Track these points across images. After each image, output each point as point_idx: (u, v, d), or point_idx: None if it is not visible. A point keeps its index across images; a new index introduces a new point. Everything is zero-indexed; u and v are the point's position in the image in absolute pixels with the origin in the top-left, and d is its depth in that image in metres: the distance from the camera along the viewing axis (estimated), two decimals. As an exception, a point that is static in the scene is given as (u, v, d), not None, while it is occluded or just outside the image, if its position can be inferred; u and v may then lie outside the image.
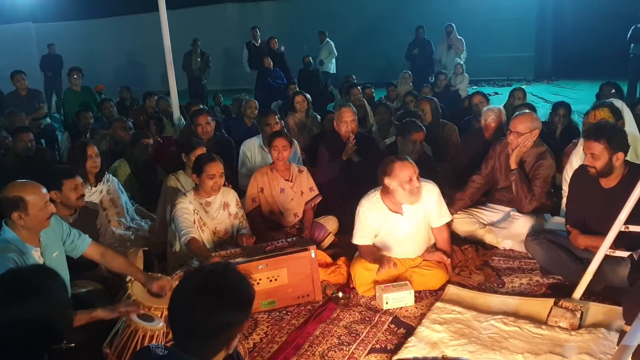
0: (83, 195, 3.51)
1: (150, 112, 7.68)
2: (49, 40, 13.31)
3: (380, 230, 3.68)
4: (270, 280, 3.45)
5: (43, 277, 1.88)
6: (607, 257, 3.07)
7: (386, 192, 3.58)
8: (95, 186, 4.17)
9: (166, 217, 4.16)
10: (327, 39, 12.48)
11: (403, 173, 3.45)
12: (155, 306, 2.93)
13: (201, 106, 6.35)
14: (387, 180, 3.50)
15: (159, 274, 3.26)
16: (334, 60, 12.41)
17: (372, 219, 3.64)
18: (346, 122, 4.87)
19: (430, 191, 3.65)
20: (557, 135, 5.50)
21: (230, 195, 3.97)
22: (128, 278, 3.12)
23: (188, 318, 1.65)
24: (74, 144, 4.82)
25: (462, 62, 10.45)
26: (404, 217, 3.61)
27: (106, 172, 4.35)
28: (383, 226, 3.66)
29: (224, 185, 3.92)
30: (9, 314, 1.75)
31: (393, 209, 3.61)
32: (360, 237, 3.71)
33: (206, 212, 3.82)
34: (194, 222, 3.73)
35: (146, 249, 3.67)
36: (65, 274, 2.85)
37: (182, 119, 6.89)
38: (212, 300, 1.64)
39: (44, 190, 2.78)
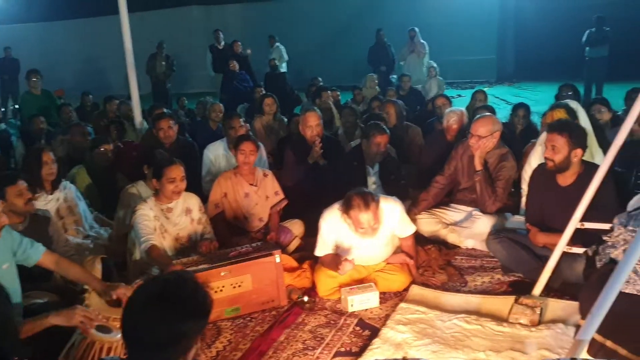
0: (31, 199, 3.37)
1: (112, 117, 7.53)
2: (6, 42, 12.94)
3: (341, 244, 3.65)
4: (234, 287, 3.40)
5: None
6: (564, 254, 3.16)
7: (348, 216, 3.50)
8: (52, 194, 4.03)
9: (125, 225, 4.08)
10: (277, 43, 12.46)
11: (358, 220, 3.40)
12: (113, 317, 2.84)
13: (164, 110, 6.24)
14: (345, 214, 3.46)
15: (119, 284, 3.17)
16: (285, 64, 12.38)
17: (333, 234, 3.62)
18: (311, 126, 4.87)
19: (393, 211, 3.62)
20: (517, 136, 5.60)
21: (192, 201, 3.89)
22: (85, 288, 3.04)
23: (142, 328, 1.60)
24: (29, 151, 4.67)
25: (435, 65, 10.54)
26: (366, 241, 3.57)
27: (63, 179, 4.22)
28: (344, 242, 3.62)
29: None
30: None
31: (355, 232, 3.52)
32: (321, 249, 3.69)
33: (167, 219, 3.73)
34: (155, 229, 3.65)
35: (104, 256, 3.56)
36: (16, 285, 2.75)
37: (145, 124, 6.78)
38: (166, 309, 1.60)
39: None
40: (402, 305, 3.37)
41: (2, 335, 1.78)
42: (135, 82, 6.29)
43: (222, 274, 3.36)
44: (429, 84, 10.26)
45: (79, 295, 3.02)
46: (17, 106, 11.38)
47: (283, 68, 12.24)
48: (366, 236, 3.49)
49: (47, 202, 3.94)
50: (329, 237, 3.64)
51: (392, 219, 3.62)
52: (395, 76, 11.29)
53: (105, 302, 2.95)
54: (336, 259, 3.57)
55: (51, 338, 2.57)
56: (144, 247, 3.51)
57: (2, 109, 11.56)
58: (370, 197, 3.40)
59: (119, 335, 2.63)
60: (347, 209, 3.43)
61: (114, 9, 6.25)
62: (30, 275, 3.02)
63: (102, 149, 4.90)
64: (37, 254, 2.94)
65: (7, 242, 2.84)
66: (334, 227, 3.59)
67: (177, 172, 3.66)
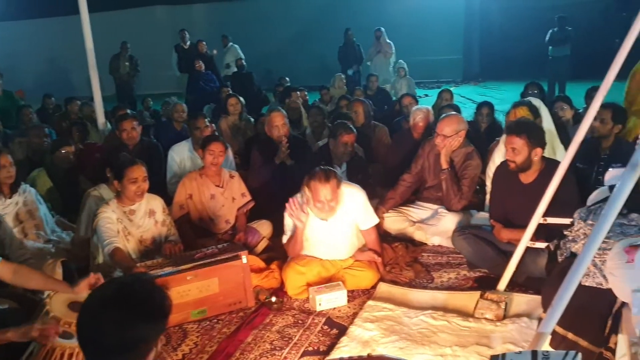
0: None
1: (74, 119, 7.37)
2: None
3: (306, 233, 3.67)
4: (200, 290, 3.35)
5: None
6: (528, 249, 3.21)
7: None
8: (10, 197, 3.89)
9: (87, 229, 3.99)
10: (231, 43, 12.32)
11: (317, 192, 3.45)
12: (75, 322, 2.77)
13: (127, 111, 6.13)
14: (306, 190, 3.53)
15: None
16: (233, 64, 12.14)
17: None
18: (277, 126, 4.85)
19: (355, 197, 3.67)
20: (482, 134, 5.68)
21: (155, 202, 3.83)
22: (46, 294, 2.93)
23: (97, 332, 1.56)
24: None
25: (404, 66, 10.56)
26: (327, 223, 3.61)
27: (22, 183, 4.10)
28: (310, 228, 3.66)
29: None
30: None
31: (318, 216, 3.60)
32: (286, 235, 3.73)
33: (130, 221, 3.66)
34: (118, 232, 3.57)
35: (65, 260, 3.48)
36: None
37: (109, 125, 6.66)
38: (123, 312, 1.56)
39: None
40: (370, 302, 3.38)
41: None
42: (97, 83, 6.17)
43: (188, 278, 3.31)
44: (399, 84, 10.32)
45: (38, 303, 2.93)
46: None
47: (235, 69, 12.02)
48: (323, 214, 3.52)
49: (5, 207, 3.81)
50: (290, 222, 3.66)
51: (355, 206, 3.65)
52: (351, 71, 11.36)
53: (67, 307, 2.87)
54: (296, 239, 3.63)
55: (8, 345, 2.47)
56: (107, 250, 3.43)
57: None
58: (332, 173, 3.48)
59: None
60: (308, 180, 3.50)
61: (77, 8, 6.12)
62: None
63: (63, 151, 4.79)
64: None
65: None
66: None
67: (138, 172, 3.59)
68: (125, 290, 1.61)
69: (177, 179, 4.94)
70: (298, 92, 7.91)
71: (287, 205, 3.52)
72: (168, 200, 4.18)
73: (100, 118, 6.35)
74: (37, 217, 4.02)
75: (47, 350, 2.48)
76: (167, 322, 1.67)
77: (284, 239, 3.76)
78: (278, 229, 4.38)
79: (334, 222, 3.63)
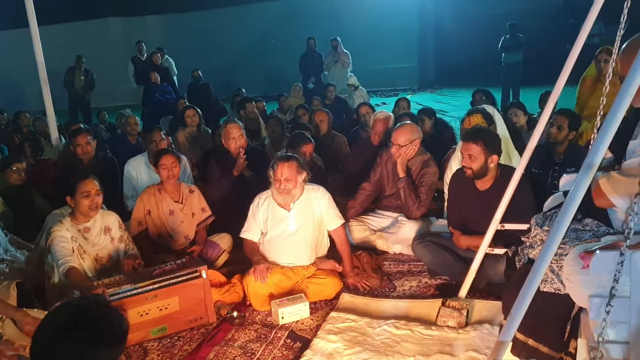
0: None
1: (26, 133, 7.14)
2: None
3: (268, 227, 3.74)
4: (160, 309, 3.30)
5: None
6: (487, 256, 3.24)
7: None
8: (-41, 216, 3.77)
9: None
10: (166, 56, 11.95)
11: (277, 171, 3.62)
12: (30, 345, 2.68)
13: (81, 125, 5.97)
14: (270, 173, 3.68)
15: (35, 310, 3.00)
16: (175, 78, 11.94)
17: (261, 212, 3.77)
18: (234, 138, 4.79)
19: (320, 196, 3.78)
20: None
21: (111, 219, 3.74)
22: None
23: (54, 358, 1.52)
24: None
25: (353, 83, 10.36)
26: (290, 214, 3.70)
27: None
28: (270, 221, 3.74)
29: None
30: None
31: (280, 205, 3.72)
32: (246, 230, 3.83)
33: (85, 239, 3.56)
34: (73, 250, 3.48)
35: (20, 281, 3.35)
36: None
37: (63, 139, 6.47)
38: (80, 337, 1.53)
39: None
40: (333, 314, 3.37)
41: None
42: (49, 97, 5.98)
43: (148, 298, 3.25)
44: (352, 98, 10.19)
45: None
46: None
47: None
48: (281, 196, 3.66)
49: (-47, 227, 3.66)
50: (256, 216, 3.78)
51: (319, 204, 3.77)
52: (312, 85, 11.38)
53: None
54: (255, 252, 3.77)
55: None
56: (62, 270, 3.34)
57: None
58: (294, 157, 3.69)
59: None
60: (273, 162, 3.70)
61: (24, 22, 5.93)
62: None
63: (14, 168, 4.68)
64: None
65: None
66: (262, 204, 3.78)
67: (91, 185, 3.52)
68: (82, 315, 1.58)
69: (134, 194, 4.85)
70: (254, 103, 7.83)
71: (252, 270, 3.60)
72: (125, 215, 4.09)
73: (54, 133, 6.16)
74: (-11, 236, 3.87)
75: None
76: (125, 344, 1.65)
77: (244, 234, 3.85)
78: (238, 241, 4.34)
79: (298, 214, 3.69)
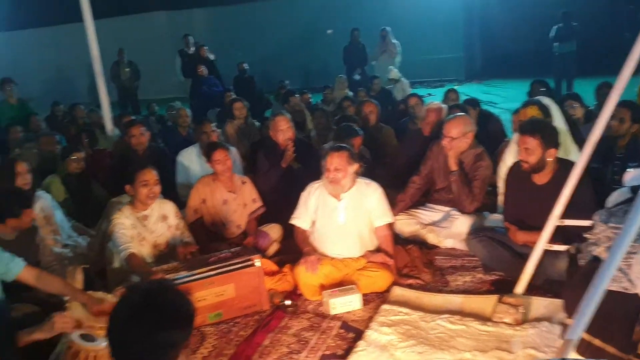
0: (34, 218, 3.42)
1: (81, 124, 7.38)
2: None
3: (317, 216, 3.78)
4: (217, 296, 3.37)
5: None
6: (545, 252, 3.17)
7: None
8: (27, 204, 3.94)
9: (104, 235, 4.05)
10: None
11: (328, 161, 3.65)
12: (97, 325, 2.81)
13: (133, 117, 6.14)
14: (322, 162, 3.70)
15: (100, 292, 3.16)
16: None
17: (312, 200, 3.81)
18: (282, 130, 4.83)
19: (373, 189, 3.78)
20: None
21: (167, 207, 3.85)
22: (67, 297, 2.99)
23: (127, 340, 1.59)
24: (2, 162, 4.58)
25: (394, 77, 10.08)
26: (340, 204, 3.71)
27: (37, 189, 4.13)
28: (320, 210, 3.77)
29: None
30: None
31: (331, 194, 3.74)
32: (297, 217, 3.88)
33: (144, 226, 3.69)
34: (133, 237, 3.60)
35: (86, 266, 3.54)
36: (1, 297, 2.73)
37: (116, 131, 6.66)
38: (151, 320, 1.59)
39: None
40: (385, 306, 3.36)
41: (6, 345, 1.74)
42: (104, 90, 6.18)
43: (206, 284, 3.32)
44: (395, 90, 9.96)
45: (60, 307, 2.96)
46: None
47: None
48: (331, 186, 3.68)
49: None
50: (307, 204, 3.83)
51: (371, 198, 3.76)
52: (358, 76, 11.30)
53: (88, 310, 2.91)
54: (306, 242, 3.81)
55: (36, 348, 2.54)
56: (122, 256, 3.47)
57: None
58: (346, 148, 3.71)
59: (104, 344, 2.61)
60: (325, 152, 3.73)
61: (78, 16, 6.11)
62: (13, 287, 2.96)
63: (74, 158, 4.84)
64: (17, 269, 2.89)
65: None
66: (314, 192, 3.83)
67: (149, 175, 3.63)
68: (153, 298, 1.64)
69: (187, 184, 4.96)
70: (298, 96, 7.86)
71: (303, 260, 3.64)
72: (179, 204, 4.17)
73: (108, 124, 6.35)
74: (54, 222, 4.07)
75: (72, 352, 2.54)
76: (193, 327, 1.70)
77: (294, 220, 3.90)
78: (288, 231, 4.40)
79: (348, 204, 3.70)
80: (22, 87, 8.21)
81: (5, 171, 4.02)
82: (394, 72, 10.01)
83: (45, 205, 4.08)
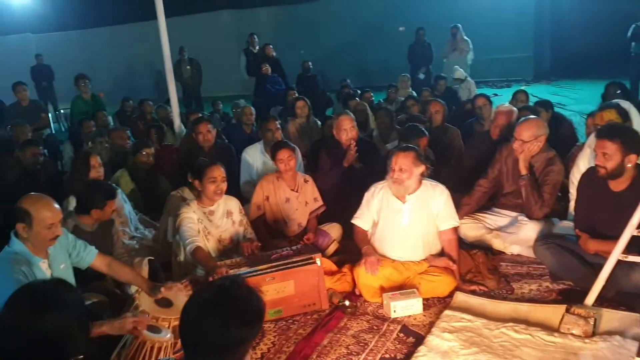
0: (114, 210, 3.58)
1: (149, 119, 7.63)
2: (48, 50, 13.22)
3: (380, 217, 3.73)
4: (277, 292, 3.41)
5: (62, 290, 1.88)
6: (619, 262, 3.03)
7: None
8: (99, 196, 4.11)
9: (169, 229, 4.16)
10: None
11: (393, 160, 3.61)
12: (162, 317, 2.91)
13: (201, 114, 6.30)
14: (388, 162, 3.66)
15: (164, 283, 3.24)
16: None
17: (375, 201, 3.76)
18: (346, 130, 4.83)
19: (440, 192, 3.70)
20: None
21: (232, 203, 3.93)
22: (135, 289, 3.10)
23: (199, 334, 1.63)
24: (76, 155, 4.80)
25: (459, 77, 9.77)
26: (404, 206, 3.65)
27: (109, 182, 4.30)
28: (384, 211, 3.71)
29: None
30: (28, 328, 1.75)
31: (396, 195, 3.67)
32: (358, 217, 3.84)
33: (210, 221, 3.77)
34: (199, 231, 3.69)
35: (152, 258, 3.66)
36: None
37: (183, 127, 6.85)
38: (222, 316, 1.62)
39: (57, 210, 2.75)
40: (447, 312, 3.30)
41: (79, 333, 1.84)
42: (173, 87, 6.37)
43: (267, 280, 3.37)
44: (460, 91, 9.70)
45: (127, 298, 3.08)
46: (62, 110, 11.63)
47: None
48: (395, 186, 3.62)
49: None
50: (370, 204, 3.78)
51: (437, 201, 3.69)
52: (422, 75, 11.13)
53: (155, 303, 3.01)
54: (365, 241, 3.78)
55: (103, 337, 2.61)
56: (189, 249, 3.55)
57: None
58: (412, 149, 3.66)
59: (169, 335, 2.71)
60: (392, 153, 3.68)
61: (146, 15, 6.31)
62: (82, 276, 3.12)
63: (144, 153, 5.00)
64: (91, 257, 3.04)
65: (63, 243, 2.95)
66: (377, 193, 3.77)
67: (218, 172, 3.71)
68: (224, 294, 1.67)
69: (251, 181, 5.05)
70: (357, 99, 7.82)
71: (363, 261, 3.60)
72: (242, 201, 4.24)
73: (177, 120, 6.53)
74: (123, 215, 4.24)
75: (139, 343, 2.63)
76: (262, 323, 1.73)
77: (355, 220, 3.86)
78: (348, 231, 4.39)
79: (412, 207, 3.64)
80: (94, 83, 8.56)
81: (80, 164, 4.20)
82: (460, 72, 9.79)
83: (117, 198, 4.24)
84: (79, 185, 3.84)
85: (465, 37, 11.10)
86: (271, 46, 11.12)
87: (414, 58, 11.52)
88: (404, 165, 3.56)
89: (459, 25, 11.11)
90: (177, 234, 3.71)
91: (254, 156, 5.25)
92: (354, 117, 5.09)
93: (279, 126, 5.34)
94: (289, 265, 3.44)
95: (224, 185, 3.76)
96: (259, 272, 3.37)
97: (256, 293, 1.72)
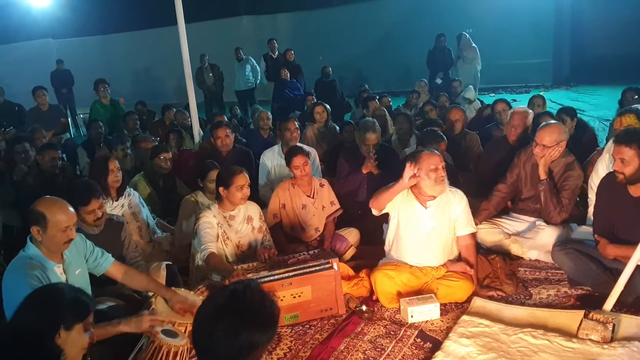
0: (103, 216, 3.48)
1: (169, 125, 7.72)
2: (68, 56, 13.43)
3: (401, 219, 3.68)
4: (294, 297, 3.42)
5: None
6: (638, 268, 3.01)
7: (415, 185, 3.61)
8: (117, 200, 4.16)
9: (186, 234, 4.21)
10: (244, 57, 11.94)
11: (429, 161, 3.50)
12: (179, 321, 2.92)
13: (221, 119, 6.38)
14: (413, 165, 3.55)
15: (182, 289, 3.27)
16: (259, 78, 11.89)
17: (396, 201, 3.67)
18: (368, 145, 4.80)
19: (459, 198, 3.69)
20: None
21: (253, 209, 3.95)
22: (151, 293, 3.13)
23: (212, 339, 1.63)
24: (95, 159, 4.84)
25: (469, 97, 9.23)
26: (427, 212, 3.62)
27: (127, 186, 4.35)
28: (406, 215, 3.66)
29: None
30: None
31: (419, 200, 3.64)
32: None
33: (230, 226, 3.80)
34: (218, 236, 3.71)
35: (169, 263, 3.67)
36: (87, 290, 2.83)
37: (201, 132, 6.92)
38: (236, 321, 1.62)
39: (71, 213, 2.75)
40: (465, 317, 3.29)
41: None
42: (192, 92, 6.41)
43: (284, 285, 3.38)
44: (468, 112, 9.45)
45: (145, 300, 3.10)
46: (81, 115, 11.80)
47: (249, 84, 11.84)
48: (437, 185, 3.52)
49: (112, 209, 4.05)
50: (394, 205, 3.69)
51: (457, 207, 3.67)
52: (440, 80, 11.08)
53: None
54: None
55: (119, 341, 2.64)
56: (202, 255, 3.58)
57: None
58: (436, 153, 3.61)
59: (185, 340, 2.71)
60: (415, 157, 3.55)
61: (167, 20, 6.37)
62: (99, 280, 3.14)
63: (162, 157, 5.02)
64: (107, 264, 3.06)
65: (80, 248, 2.96)
66: (401, 199, 3.67)
67: (244, 179, 3.76)
68: (237, 299, 1.67)
69: (270, 184, 5.09)
70: (377, 101, 7.82)
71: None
72: (260, 204, 4.26)
73: (196, 125, 6.60)
74: (140, 219, 4.26)
75: (155, 347, 2.63)
76: (276, 328, 1.72)
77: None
78: (365, 236, 4.41)
79: (434, 212, 3.62)
80: (114, 88, 8.65)
81: (99, 168, 4.17)
82: (471, 92, 9.45)
83: (134, 202, 4.28)
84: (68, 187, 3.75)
85: (473, 45, 10.98)
86: (292, 51, 11.18)
87: (433, 64, 11.45)
88: (441, 163, 3.54)
89: (465, 32, 10.99)
90: (196, 238, 3.73)
91: (273, 159, 5.30)
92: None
93: (297, 126, 5.38)
94: (306, 271, 3.45)
95: (248, 192, 3.80)
96: (276, 277, 3.38)
97: (270, 297, 1.72)
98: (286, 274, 3.40)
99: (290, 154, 4.34)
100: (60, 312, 2.02)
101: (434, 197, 3.61)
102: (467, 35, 11.04)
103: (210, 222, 3.71)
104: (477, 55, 10.98)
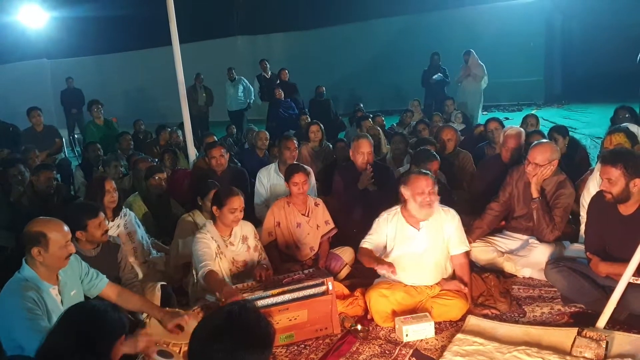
0: (107, 230, 3.53)
1: (164, 145, 7.74)
2: (64, 76, 13.46)
3: (395, 244, 3.68)
4: (290, 320, 3.40)
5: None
6: (630, 285, 3.03)
7: (405, 206, 3.63)
8: (112, 221, 4.17)
9: (181, 254, 4.22)
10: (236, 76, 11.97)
11: (417, 184, 3.52)
12: (173, 342, 2.92)
13: (215, 139, 6.41)
14: (403, 189, 3.60)
15: (177, 309, 3.26)
16: (252, 98, 11.89)
17: (386, 229, 3.70)
18: (363, 153, 4.88)
19: (451, 217, 3.70)
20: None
21: (248, 229, 3.96)
22: (145, 314, 3.12)
23: (208, 358, 1.64)
24: (91, 179, 4.85)
25: (457, 121, 9.07)
26: (419, 233, 3.63)
27: (123, 207, 4.36)
28: (398, 239, 3.67)
29: None
30: None
31: (410, 223, 3.64)
32: (366, 241, 3.75)
33: (226, 245, 3.80)
34: (215, 254, 3.71)
35: (164, 283, 3.67)
36: None
37: (197, 152, 6.95)
38: (230, 340, 1.63)
39: (67, 229, 2.79)
40: (459, 336, 3.30)
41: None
42: (187, 112, 6.45)
43: (280, 310, 3.36)
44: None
45: (137, 323, 3.10)
46: (76, 135, 11.79)
47: (241, 104, 11.82)
48: (424, 210, 3.52)
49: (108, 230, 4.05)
50: (380, 231, 3.72)
51: (450, 226, 3.68)
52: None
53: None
54: (372, 254, 3.66)
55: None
56: (201, 273, 3.55)
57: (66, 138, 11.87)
58: (429, 174, 3.62)
59: None
60: (405, 180, 3.61)
61: (162, 41, 6.41)
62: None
63: (157, 177, 5.02)
64: (102, 285, 3.07)
65: (75, 269, 2.97)
66: (389, 221, 3.70)
67: (238, 202, 3.74)
68: (233, 320, 1.68)
69: (266, 202, 5.10)
70: (370, 120, 7.90)
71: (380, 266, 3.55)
72: (255, 222, 4.28)
73: (190, 145, 6.62)
74: (136, 240, 4.26)
75: None
76: (272, 348, 1.73)
77: (364, 244, 3.75)
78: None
79: (427, 233, 3.63)
80: (108, 108, 8.68)
81: (95, 188, 4.18)
82: (460, 118, 9.36)
83: (130, 222, 4.29)
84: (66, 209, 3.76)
85: (480, 62, 10.97)
86: (287, 71, 11.27)
87: (428, 83, 11.49)
88: (431, 187, 3.53)
89: (472, 50, 11.07)
90: (194, 257, 3.72)
91: (269, 177, 5.32)
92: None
93: (297, 146, 5.42)
94: (303, 294, 3.42)
95: (241, 215, 3.80)
96: (272, 302, 3.35)
97: (265, 318, 1.73)
98: (282, 298, 3.38)
99: (292, 170, 4.36)
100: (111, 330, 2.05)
101: (426, 218, 3.63)
102: (474, 53, 11.02)
103: (208, 240, 3.71)
104: (485, 72, 10.95)
